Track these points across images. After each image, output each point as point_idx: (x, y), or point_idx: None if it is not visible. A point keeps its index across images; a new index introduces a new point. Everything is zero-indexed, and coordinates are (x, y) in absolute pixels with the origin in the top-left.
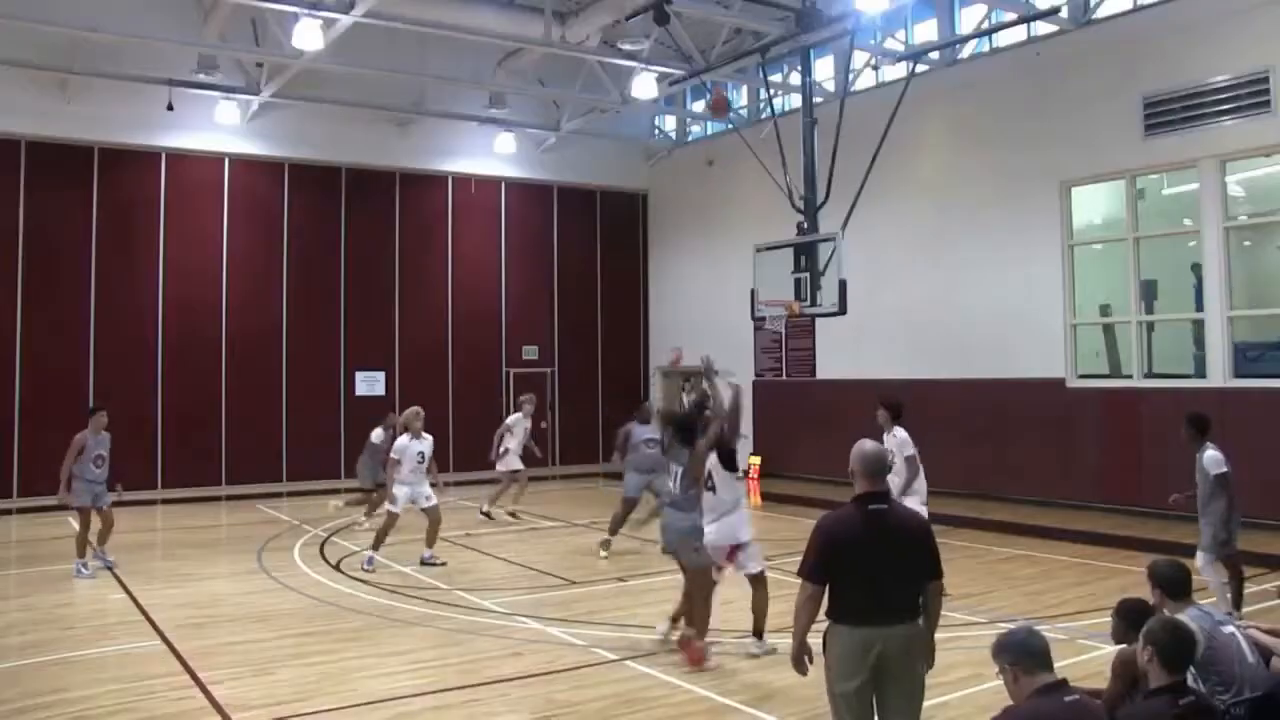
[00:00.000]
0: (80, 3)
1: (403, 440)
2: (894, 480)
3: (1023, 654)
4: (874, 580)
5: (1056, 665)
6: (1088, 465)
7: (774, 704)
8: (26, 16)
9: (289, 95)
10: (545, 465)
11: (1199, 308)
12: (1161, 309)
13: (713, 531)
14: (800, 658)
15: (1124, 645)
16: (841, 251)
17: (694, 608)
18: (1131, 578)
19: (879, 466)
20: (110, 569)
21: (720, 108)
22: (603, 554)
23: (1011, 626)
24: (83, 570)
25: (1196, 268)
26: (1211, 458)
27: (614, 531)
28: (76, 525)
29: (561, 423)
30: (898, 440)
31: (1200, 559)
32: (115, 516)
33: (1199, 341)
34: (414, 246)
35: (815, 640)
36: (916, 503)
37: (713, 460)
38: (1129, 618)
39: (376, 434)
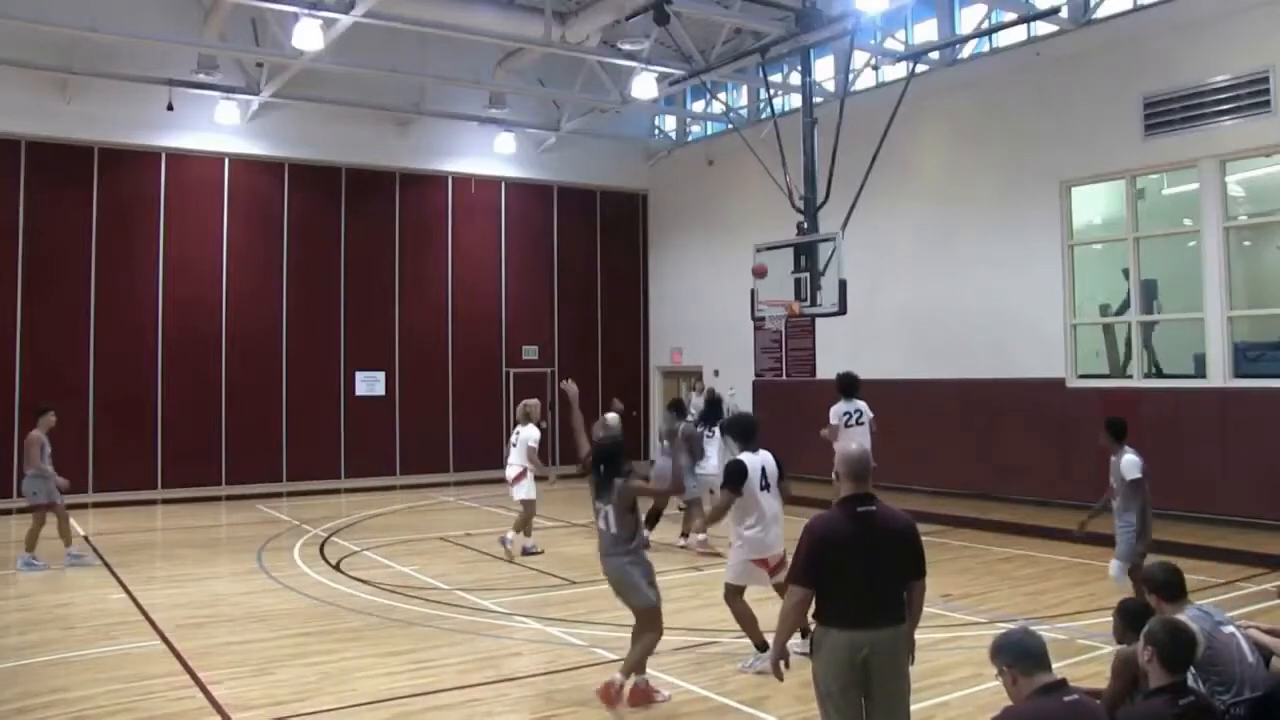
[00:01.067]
0: (80, 3)
1: (534, 430)
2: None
3: (1020, 655)
4: (863, 582)
5: (1056, 665)
6: (1088, 465)
7: (773, 704)
8: (26, 16)
9: (289, 95)
10: (545, 465)
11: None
12: (1161, 309)
13: (776, 537)
14: (778, 662)
15: (1124, 645)
16: (841, 251)
17: (644, 645)
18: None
19: (865, 468)
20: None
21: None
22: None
23: (1009, 628)
24: (73, 558)
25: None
26: (1129, 461)
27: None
28: (35, 522)
29: (561, 423)
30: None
31: (1114, 567)
32: (113, 516)
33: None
34: (414, 246)
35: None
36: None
37: (768, 459)
38: (1130, 617)
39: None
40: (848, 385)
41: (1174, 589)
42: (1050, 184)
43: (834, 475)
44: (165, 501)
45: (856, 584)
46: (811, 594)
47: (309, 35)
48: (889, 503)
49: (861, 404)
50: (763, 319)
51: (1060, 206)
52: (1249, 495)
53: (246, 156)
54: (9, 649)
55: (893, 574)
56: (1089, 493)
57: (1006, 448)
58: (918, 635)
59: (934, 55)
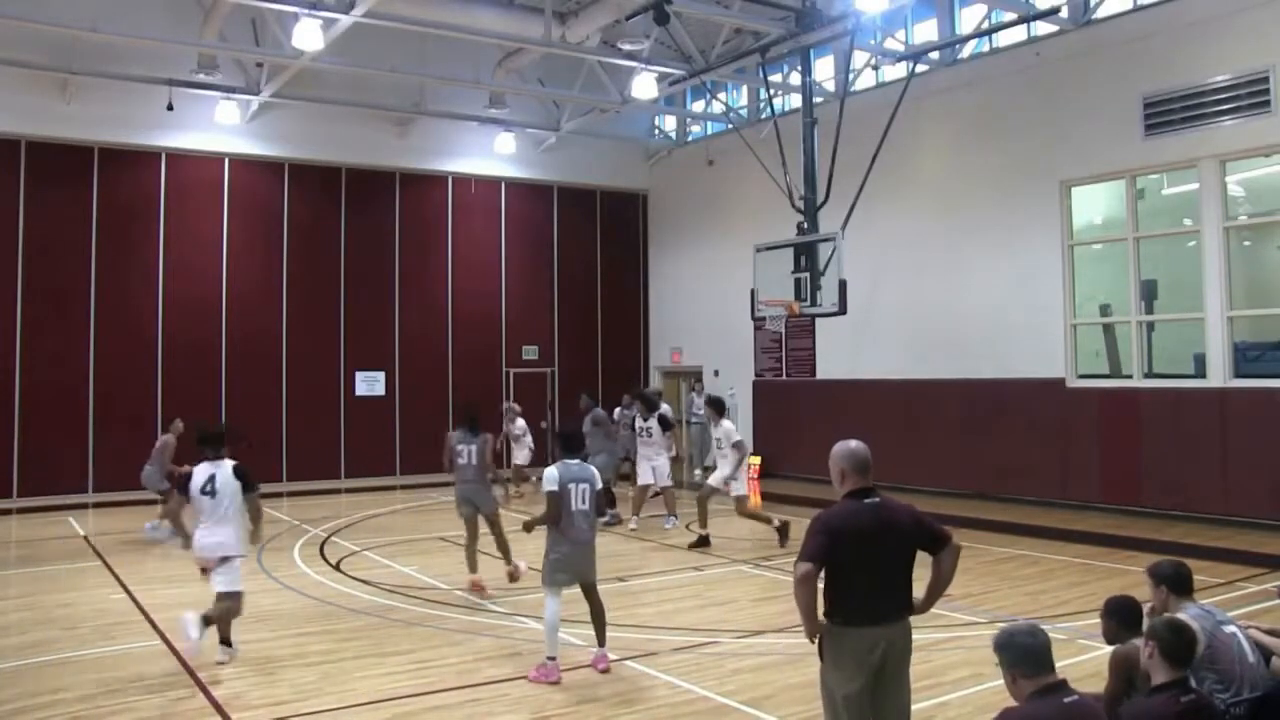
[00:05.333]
0: (80, 3)
1: None
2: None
3: (1022, 656)
4: (876, 575)
5: (1056, 665)
6: (1088, 465)
7: (773, 703)
8: (26, 16)
9: (289, 95)
10: (544, 465)
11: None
12: (1161, 309)
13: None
14: (815, 632)
15: (1118, 644)
16: (841, 251)
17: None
18: (1131, 578)
19: (868, 462)
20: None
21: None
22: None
23: (1016, 622)
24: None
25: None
26: (727, 428)
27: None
28: (167, 501)
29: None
30: (724, 430)
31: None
32: (113, 516)
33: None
34: (414, 246)
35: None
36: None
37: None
38: (1120, 616)
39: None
40: (721, 406)
41: (1182, 583)
42: (1050, 184)
43: (839, 474)
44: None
45: (869, 577)
46: (817, 570)
47: (309, 35)
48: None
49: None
50: (763, 319)
51: (1060, 206)
52: (1249, 495)
53: (246, 156)
54: (9, 649)
55: (902, 566)
56: (1089, 492)
57: (1006, 448)
58: (918, 635)
59: (934, 55)
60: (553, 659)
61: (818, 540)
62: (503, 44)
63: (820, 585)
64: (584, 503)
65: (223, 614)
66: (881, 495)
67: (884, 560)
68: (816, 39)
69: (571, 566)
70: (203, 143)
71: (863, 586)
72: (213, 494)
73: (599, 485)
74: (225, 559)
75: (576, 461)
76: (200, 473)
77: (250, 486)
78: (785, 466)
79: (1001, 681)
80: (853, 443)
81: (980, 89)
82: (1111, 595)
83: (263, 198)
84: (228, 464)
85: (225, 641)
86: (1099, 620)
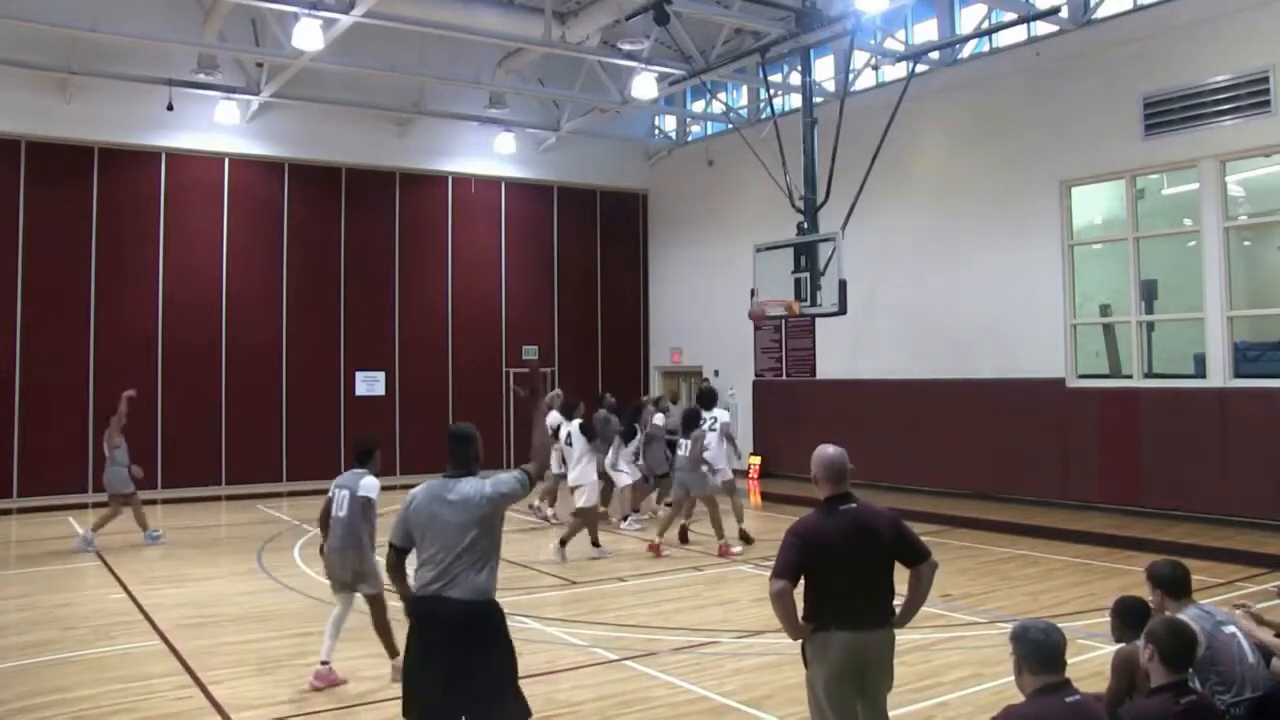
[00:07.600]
0: (80, 3)
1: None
2: None
3: (1031, 651)
4: (853, 580)
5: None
6: (1088, 465)
7: (773, 703)
8: (26, 16)
9: (289, 95)
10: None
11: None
12: (1161, 309)
13: None
14: (798, 638)
15: (1123, 644)
16: (841, 251)
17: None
18: (1131, 578)
19: (844, 469)
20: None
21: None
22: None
23: (1035, 617)
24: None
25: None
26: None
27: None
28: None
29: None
30: None
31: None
32: (116, 515)
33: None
34: (414, 246)
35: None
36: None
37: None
38: (1127, 617)
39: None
40: (710, 398)
41: (1179, 585)
42: (1050, 184)
43: (815, 480)
44: (165, 501)
45: (849, 582)
46: (791, 584)
47: (309, 35)
48: (876, 502)
49: (720, 412)
50: (762, 314)
51: (1060, 206)
52: (1249, 495)
53: (246, 156)
54: (9, 649)
55: (882, 571)
56: (1089, 492)
57: (1007, 448)
58: (918, 636)
59: (934, 55)
60: (325, 663)
61: (790, 553)
62: (503, 44)
63: (802, 588)
64: (341, 509)
65: (574, 529)
66: (859, 501)
67: (861, 566)
68: (816, 39)
69: (330, 571)
70: (203, 143)
71: (840, 591)
72: (570, 444)
73: (363, 494)
74: (577, 487)
75: (363, 470)
76: (563, 430)
77: (590, 436)
78: (785, 466)
79: (1001, 682)
80: (830, 449)
81: (980, 89)
82: (1121, 595)
83: (263, 198)
84: (576, 422)
85: (563, 543)
86: (1104, 620)
